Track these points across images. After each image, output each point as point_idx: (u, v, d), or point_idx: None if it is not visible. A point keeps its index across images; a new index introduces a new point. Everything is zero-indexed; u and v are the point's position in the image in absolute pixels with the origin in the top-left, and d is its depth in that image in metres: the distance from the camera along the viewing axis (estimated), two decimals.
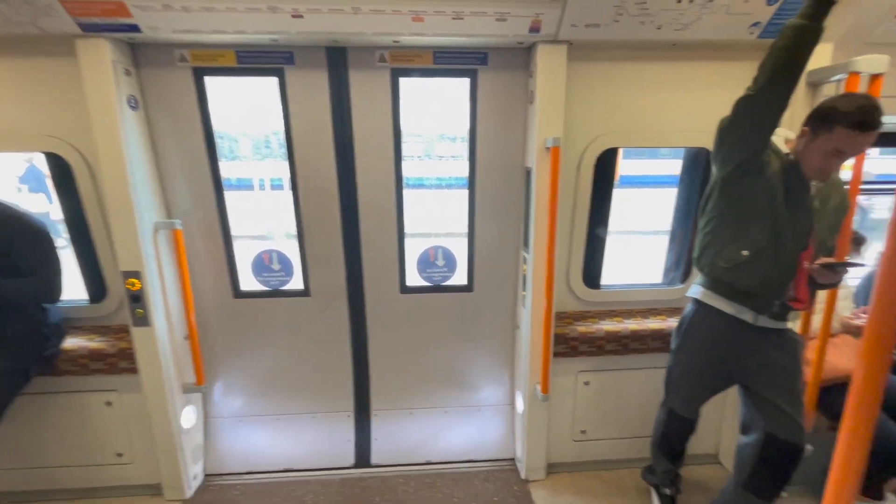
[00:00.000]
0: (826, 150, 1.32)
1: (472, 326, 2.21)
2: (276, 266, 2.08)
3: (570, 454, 2.22)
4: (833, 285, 1.53)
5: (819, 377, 1.77)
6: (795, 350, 1.56)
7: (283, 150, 1.93)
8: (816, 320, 1.80)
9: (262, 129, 2.38)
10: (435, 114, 2.18)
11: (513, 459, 2.32)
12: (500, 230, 2.10)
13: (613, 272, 2.40)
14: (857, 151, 1.34)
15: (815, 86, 1.78)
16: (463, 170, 2.04)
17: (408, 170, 2.04)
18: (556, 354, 2.04)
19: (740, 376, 1.62)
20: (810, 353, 1.81)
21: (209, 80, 1.83)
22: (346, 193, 1.99)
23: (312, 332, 2.14)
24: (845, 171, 1.62)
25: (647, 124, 1.95)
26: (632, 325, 2.04)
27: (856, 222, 1.99)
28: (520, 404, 2.18)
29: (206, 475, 2.19)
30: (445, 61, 1.85)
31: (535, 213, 1.85)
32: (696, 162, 2.09)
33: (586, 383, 2.12)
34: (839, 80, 1.66)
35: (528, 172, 1.93)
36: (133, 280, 1.78)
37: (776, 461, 1.53)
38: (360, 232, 2.04)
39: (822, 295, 1.75)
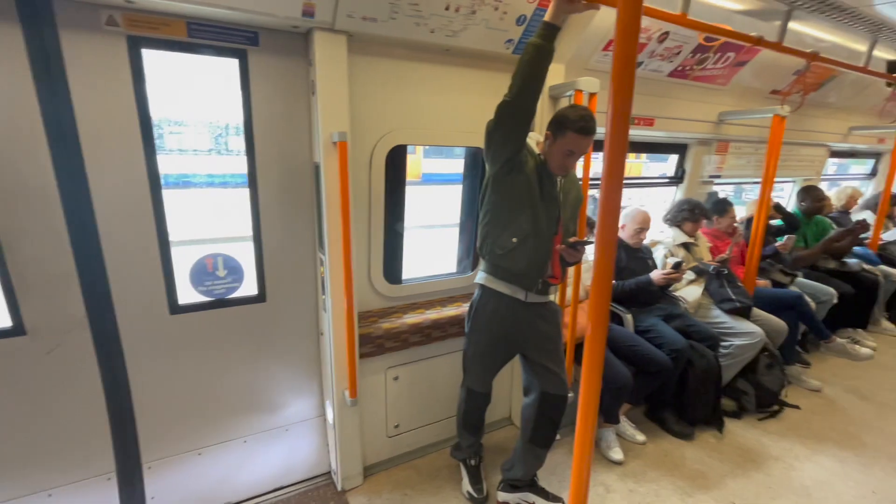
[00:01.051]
0: (563, 151, 1.60)
1: (269, 340, 1.98)
2: None
3: (386, 451, 2.22)
4: (577, 262, 1.88)
5: (574, 336, 2.17)
6: (556, 318, 1.87)
7: None
8: (569, 291, 2.20)
9: None
10: (203, 100, 1.85)
11: (329, 473, 2.19)
12: (293, 231, 1.92)
13: (417, 266, 2.49)
14: (583, 151, 1.66)
15: (555, 98, 2.15)
16: (241, 166, 1.79)
17: (168, 166, 1.67)
18: (363, 355, 1.99)
19: (519, 347, 1.86)
20: (567, 317, 2.21)
21: None
22: (72, 196, 1.50)
23: (33, 384, 1.58)
24: (579, 169, 2.01)
25: (432, 123, 2.05)
26: (432, 314, 2.14)
27: (589, 210, 2.51)
28: (330, 414, 2.06)
29: None
30: (203, 35, 1.56)
31: (328, 212, 1.75)
32: (476, 160, 2.31)
33: (395, 378, 2.14)
34: (570, 95, 2.05)
35: (316, 168, 1.81)
36: None
37: (549, 413, 1.81)
38: (101, 243, 1.58)
39: (571, 271, 2.15)
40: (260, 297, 1.93)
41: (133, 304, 1.68)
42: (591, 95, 1.98)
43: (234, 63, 1.66)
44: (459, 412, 2.03)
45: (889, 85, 3.13)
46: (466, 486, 2.04)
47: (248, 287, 1.91)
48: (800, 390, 2.96)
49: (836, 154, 4.71)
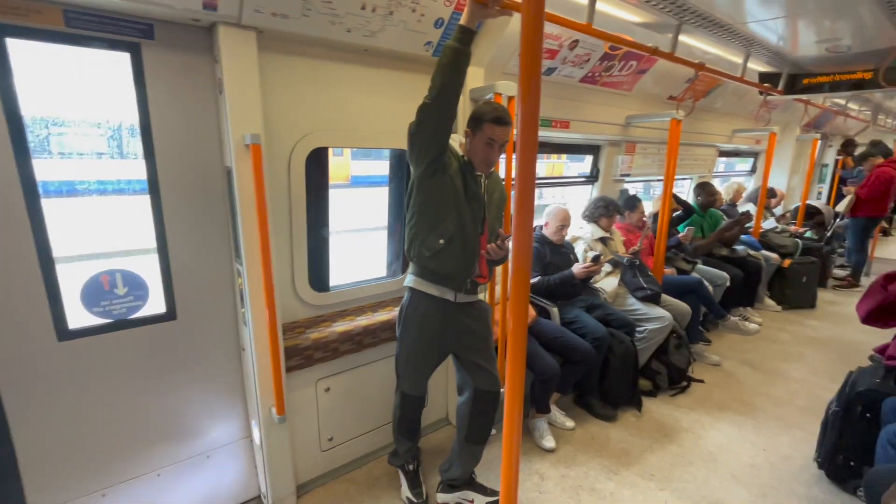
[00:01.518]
0: (483, 143, 1.65)
1: (182, 361, 1.81)
2: None
3: (321, 466, 2.13)
4: (503, 260, 1.94)
5: (504, 333, 2.23)
6: (486, 317, 1.91)
7: None
8: (498, 289, 2.26)
9: None
10: (93, 98, 1.64)
11: (259, 497, 2.05)
12: (205, 241, 1.77)
13: (347, 272, 2.42)
14: (502, 140, 1.66)
15: (475, 101, 2.20)
16: (140, 171, 1.62)
17: (48, 171, 1.47)
18: (290, 368, 1.90)
19: (451, 347, 1.87)
20: (497, 315, 2.27)
21: None
22: None
23: None
24: (503, 170, 2.07)
25: (354, 125, 2.00)
26: (363, 321, 2.09)
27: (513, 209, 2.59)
28: (256, 434, 1.93)
29: None
30: (85, 25, 1.39)
31: (243, 220, 1.64)
32: (402, 162, 2.29)
33: (327, 390, 2.06)
34: (489, 98, 2.10)
35: (228, 173, 1.68)
36: None
37: (483, 409, 1.84)
38: None
39: (499, 269, 2.21)
40: (169, 315, 1.76)
41: (8, 331, 1.45)
42: (510, 98, 2.05)
43: (126, 57, 1.50)
44: (395, 418, 2.00)
45: (761, 93, 3.60)
46: (405, 492, 2.01)
47: (155, 305, 1.74)
48: (703, 366, 3.29)
49: (723, 153, 5.32)
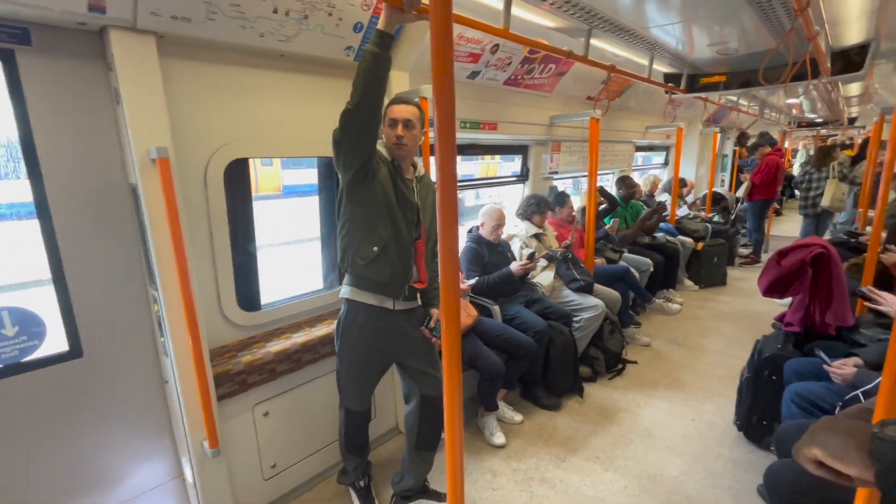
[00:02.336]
0: (387, 127, 1.65)
1: (93, 402, 1.62)
2: None
3: (265, 496, 2.00)
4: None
5: None
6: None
7: None
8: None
9: None
10: None
11: None
12: (111, 267, 1.60)
13: (281, 287, 2.30)
14: (403, 118, 1.63)
15: None
16: (25, 193, 1.43)
17: None
18: (222, 396, 1.77)
19: (393, 357, 1.84)
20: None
21: None
22: None
23: None
24: (434, 174, 2.07)
25: (275, 134, 1.91)
26: (300, 338, 2.00)
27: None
28: (188, 472, 1.78)
29: None
30: None
31: (154, 241, 1.50)
32: (330, 170, 2.22)
33: (266, 414, 1.94)
34: (415, 103, 2.10)
35: (133, 190, 1.54)
36: None
37: (430, 415, 1.83)
38: None
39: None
40: (74, 353, 1.57)
41: None
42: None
43: None
44: (341, 435, 1.93)
45: (667, 92, 3.92)
46: None
47: (55, 343, 1.54)
48: (635, 347, 3.51)
49: (640, 148, 5.73)
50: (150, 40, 1.43)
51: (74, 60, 1.42)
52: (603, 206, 3.98)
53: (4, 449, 1.45)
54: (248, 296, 1.96)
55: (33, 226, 1.46)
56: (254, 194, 2.01)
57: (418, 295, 1.85)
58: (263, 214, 1.99)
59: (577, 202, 3.77)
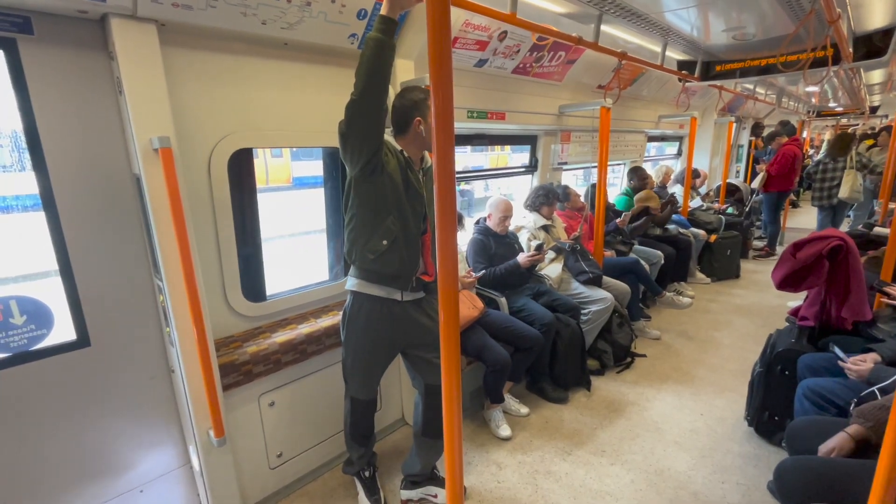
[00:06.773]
0: (425, 128, 1.61)
1: (101, 391, 1.64)
2: None
3: (271, 485, 2.02)
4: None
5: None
6: (435, 308, 1.88)
7: None
8: None
9: None
10: None
11: None
12: (117, 257, 1.61)
13: (288, 278, 2.30)
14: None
15: None
16: (30, 184, 1.43)
17: None
18: (228, 386, 1.78)
19: (399, 346, 1.83)
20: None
21: None
22: None
23: None
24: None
25: (279, 124, 1.89)
26: (306, 329, 2.00)
27: (459, 203, 2.58)
28: (195, 460, 1.80)
29: None
30: None
31: (158, 231, 1.50)
32: (336, 161, 2.20)
33: (271, 404, 1.95)
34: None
35: (137, 181, 1.53)
36: None
37: (435, 403, 1.82)
38: None
39: None
40: (82, 342, 1.58)
41: None
42: None
43: None
44: (346, 425, 1.93)
45: (680, 80, 3.81)
46: (363, 499, 1.95)
47: (63, 332, 1.56)
48: (645, 341, 3.47)
49: (652, 139, 5.62)
50: (152, 28, 1.42)
51: (77, 50, 1.42)
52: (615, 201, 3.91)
53: (14, 436, 1.48)
54: (253, 286, 1.97)
55: (39, 218, 1.47)
56: (264, 186, 2.01)
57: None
58: (274, 206, 1.98)
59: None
